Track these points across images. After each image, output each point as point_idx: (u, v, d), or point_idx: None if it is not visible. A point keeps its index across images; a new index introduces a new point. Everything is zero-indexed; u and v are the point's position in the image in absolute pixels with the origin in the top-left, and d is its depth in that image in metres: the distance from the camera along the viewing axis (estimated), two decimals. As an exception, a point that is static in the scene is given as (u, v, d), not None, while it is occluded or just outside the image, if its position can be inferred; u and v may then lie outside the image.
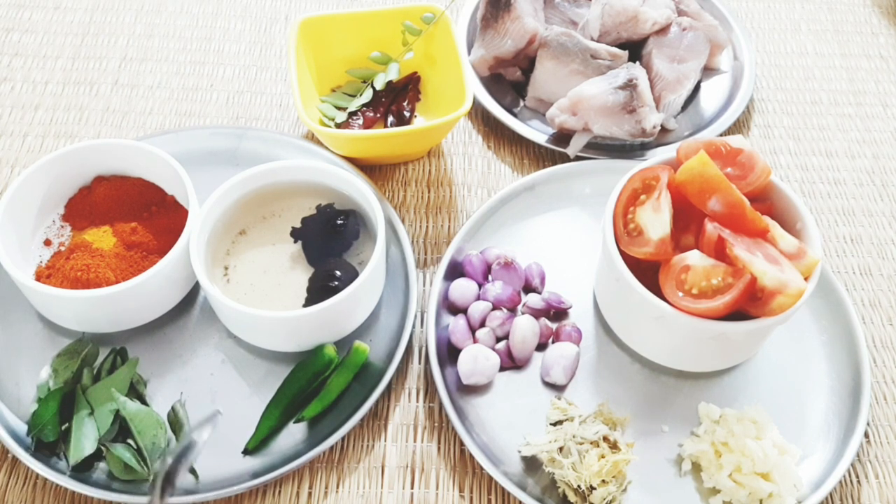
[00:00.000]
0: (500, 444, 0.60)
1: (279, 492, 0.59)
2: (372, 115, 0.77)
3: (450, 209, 0.75)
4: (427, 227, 0.74)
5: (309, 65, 0.77)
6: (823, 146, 0.82)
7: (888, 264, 0.73)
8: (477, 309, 0.65)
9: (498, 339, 0.64)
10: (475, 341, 0.63)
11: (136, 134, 0.79)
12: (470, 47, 0.84)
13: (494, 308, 0.65)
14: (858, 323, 0.65)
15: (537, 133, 0.78)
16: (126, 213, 0.67)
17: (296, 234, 0.66)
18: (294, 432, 0.60)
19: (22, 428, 0.58)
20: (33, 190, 0.65)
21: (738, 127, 0.83)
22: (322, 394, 0.60)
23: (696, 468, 0.59)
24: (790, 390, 0.63)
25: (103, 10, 0.90)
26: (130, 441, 0.58)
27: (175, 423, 0.59)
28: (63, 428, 0.58)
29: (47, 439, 0.57)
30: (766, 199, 0.62)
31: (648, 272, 0.58)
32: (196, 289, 0.66)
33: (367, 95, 0.78)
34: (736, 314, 0.55)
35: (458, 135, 0.81)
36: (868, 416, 0.61)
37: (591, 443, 0.57)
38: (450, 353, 0.63)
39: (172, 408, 0.60)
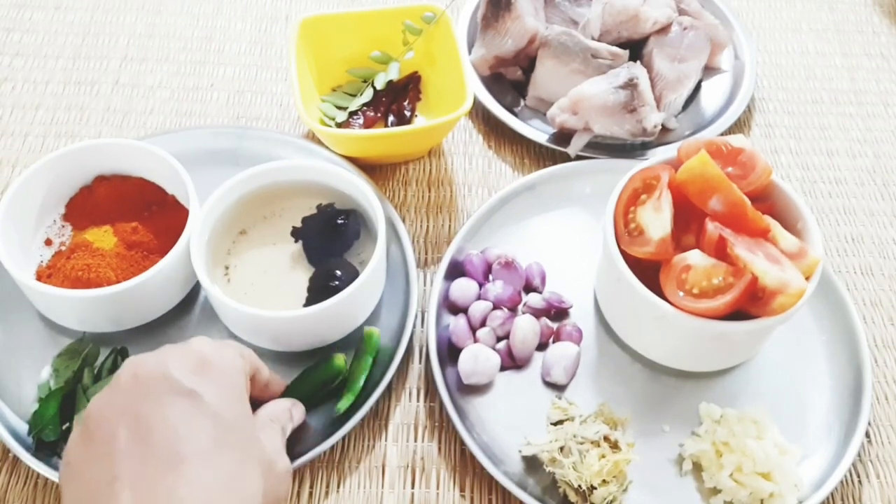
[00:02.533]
0: (500, 443, 0.60)
1: (280, 491, 0.59)
2: (372, 114, 0.77)
3: (450, 209, 0.75)
4: (427, 226, 0.74)
5: (309, 64, 0.77)
6: (824, 145, 0.82)
7: (889, 264, 0.73)
8: (477, 308, 0.65)
9: (498, 339, 0.64)
10: (476, 341, 0.63)
11: (137, 134, 0.79)
12: (470, 47, 0.84)
13: (495, 308, 0.65)
14: (860, 322, 0.65)
15: (538, 132, 0.78)
16: (127, 213, 0.67)
17: (296, 233, 0.66)
18: (294, 432, 0.59)
19: (23, 427, 0.58)
20: (34, 190, 0.65)
21: (739, 126, 0.83)
22: (349, 385, 0.60)
23: (697, 468, 0.59)
24: (791, 390, 0.63)
25: (104, 10, 0.90)
26: (131, 441, 0.58)
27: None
28: (64, 427, 0.58)
29: (48, 439, 0.57)
30: (766, 199, 0.61)
31: (649, 272, 0.58)
32: (196, 288, 0.66)
33: (368, 95, 0.78)
34: (737, 314, 0.55)
35: (459, 134, 0.81)
36: (869, 415, 0.61)
37: (592, 442, 0.57)
38: (450, 352, 0.63)
39: None
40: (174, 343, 0.63)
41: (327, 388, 0.60)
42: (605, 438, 0.57)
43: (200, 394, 0.44)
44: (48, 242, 0.66)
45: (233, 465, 0.43)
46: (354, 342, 0.63)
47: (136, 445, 0.42)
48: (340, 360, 0.60)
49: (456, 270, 0.68)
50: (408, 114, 0.78)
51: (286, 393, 0.59)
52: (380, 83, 0.78)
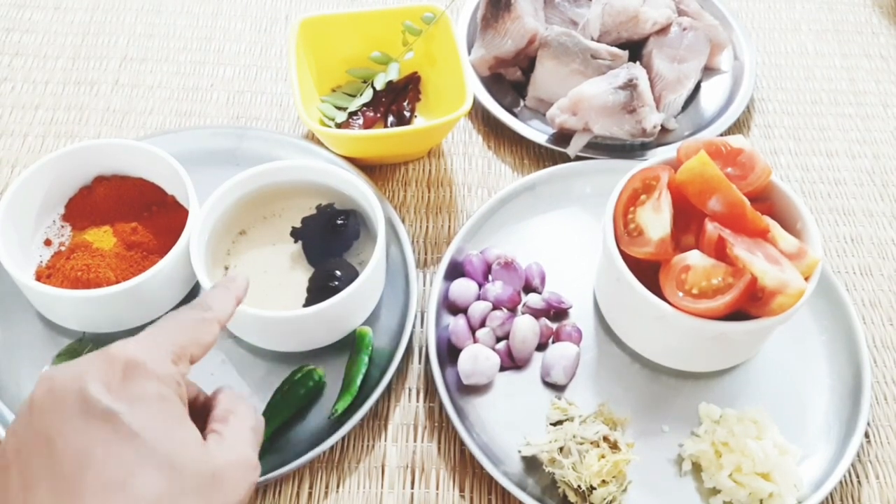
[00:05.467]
0: (500, 444, 0.60)
1: (279, 492, 0.59)
2: (372, 114, 0.77)
3: (450, 209, 0.75)
4: (427, 227, 0.74)
5: (309, 65, 0.77)
6: (824, 146, 0.82)
7: (888, 264, 0.73)
8: (477, 309, 0.65)
9: (498, 339, 0.64)
10: (475, 341, 0.63)
11: (137, 134, 0.79)
12: (470, 47, 0.84)
13: (494, 308, 0.65)
14: (859, 323, 0.65)
15: (537, 133, 0.78)
16: (126, 213, 0.67)
17: (296, 233, 0.66)
18: (295, 432, 0.60)
19: (22, 428, 0.58)
20: (33, 190, 0.65)
21: (739, 127, 0.83)
22: (346, 385, 0.60)
23: (697, 468, 0.59)
24: (790, 390, 0.63)
25: (103, 10, 0.90)
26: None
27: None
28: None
29: (47, 439, 0.57)
30: (766, 199, 0.62)
31: (648, 272, 0.58)
32: (196, 289, 0.66)
33: (368, 95, 0.78)
34: (736, 314, 0.55)
35: (459, 135, 0.81)
36: (868, 416, 0.61)
37: (592, 443, 0.57)
38: (450, 353, 0.63)
39: None
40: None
41: (305, 399, 0.60)
42: (605, 439, 0.57)
43: (118, 413, 0.37)
44: (48, 243, 0.66)
45: (157, 490, 0.37)
46: (352, 343, 0.63)
47: (46, 478, 0.37)
48: (320, 372, 0.61)
49: (455, 271, 0.68)
50: (407, 114, 0.78)
51: (269, 414, 0.59)
52: (379, 83, 0.78)
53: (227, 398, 0.45)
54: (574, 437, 0.57)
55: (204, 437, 0.41)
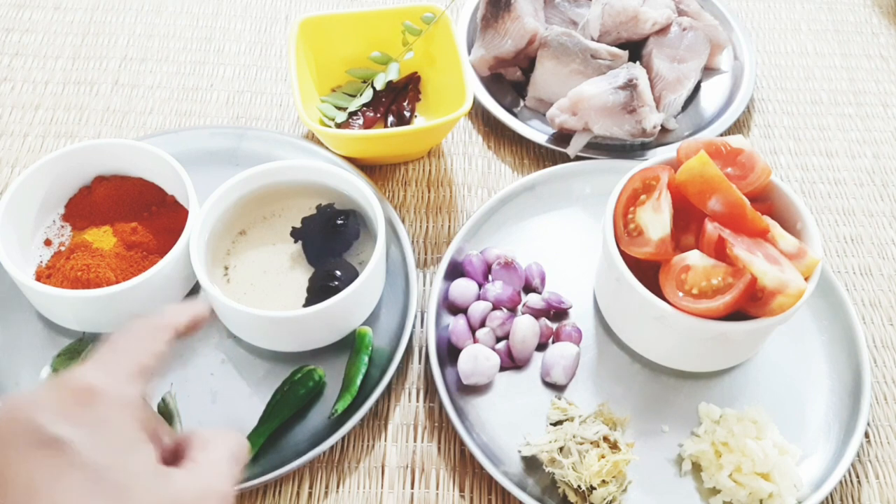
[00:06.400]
0: (500, 444, 0.60)
1: (279, 492, 0.59)
2: (372, 115, 0.77)
3: (450, 209, 0.75)
4: (427, 227, 0.74)
5: (309, 65, 0.77)
6: (824, 146, 0.82)
7: (888, 264, 0.73)
8: (477, 309, 0.65)
9: (498, 339, 0.64)
10: (475, 341, 0.63)
11: (137, 134, 0.79)
12: (470, 47, 0.84)
13: (494, 308, 0.65)
14: (859, 323, 0.65)
15: (537, 133, 0.78)
16: (126, 213, 0.67)
17: (296, 234, 0.66)
18: (295, 432, 0.60)
19: (22, 428, 0.58)
20: (33, 190, 0.65)
21: (739, 127, 0.83)
22: (345, 384, 0.61)
23: (697, 468, 0.59)
24: (790, 390, 0.63)
25: (103, 10, 0.90)
26: (130, 441, 0.58)
27: (165, 413, 0.59)
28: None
29: (47, 439, 0.57)
30: (766, 199, 0.62)
31: (649, 272, 0.58)
32: (196, 289, 0.66)
33: (368, 95, 0.78)
34: (736, 314, 0.55)
35: (459, 135, 0.81)
36: (868, 416, 0.61)
37: (592, 443, 0.57)
38: (450, 353, 0.63)
39: (163, 399, 0.60)
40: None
41: (306, 399, 0.61)
42: (605, 439, 0.57)
43: (68, 441, 0.36)
44: (48, 243, 0.66)
45: None
46: (352, 343, 0.63)
47: None
48: (320, 372, 0.61)
49: (455, 271, 0.68)
50: (407, 114, 0.78)
51: (269, 414, 0.59)
52: (379, 83, 0.78)
53: (212, 430, 0.43)
54: (574, 437, 0.57)
55: (180, 465, 0.40)
